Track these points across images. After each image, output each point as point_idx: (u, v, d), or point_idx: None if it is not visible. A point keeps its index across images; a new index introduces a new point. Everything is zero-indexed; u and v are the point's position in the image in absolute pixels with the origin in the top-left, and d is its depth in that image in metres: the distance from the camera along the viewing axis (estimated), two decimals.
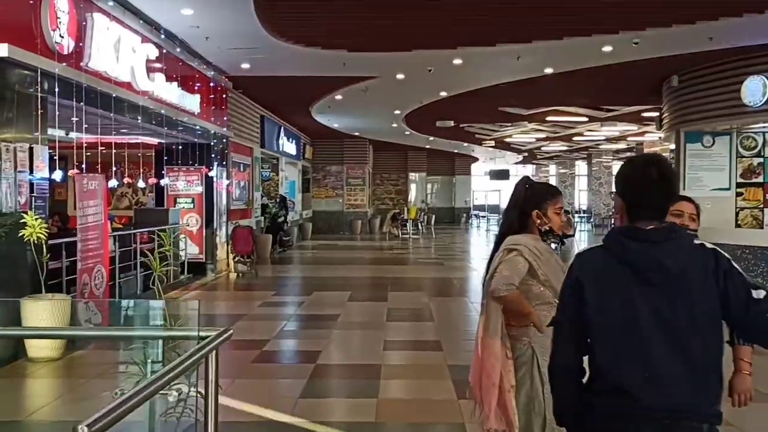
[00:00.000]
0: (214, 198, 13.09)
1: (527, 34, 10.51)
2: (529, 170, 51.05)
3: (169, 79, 10.28)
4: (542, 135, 25.72)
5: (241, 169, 15.77)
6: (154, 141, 12.38)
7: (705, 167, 12.63)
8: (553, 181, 49.16)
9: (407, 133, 23.79)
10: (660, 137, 23.45)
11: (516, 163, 43.76)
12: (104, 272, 7.59)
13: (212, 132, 12.69)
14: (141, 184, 9.43)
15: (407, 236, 24.56)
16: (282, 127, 20.18)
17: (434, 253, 19.17)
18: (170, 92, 10.40)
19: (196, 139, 12.14)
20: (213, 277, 12.55)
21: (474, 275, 13.86)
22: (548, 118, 19.90)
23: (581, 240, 22.72)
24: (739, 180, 12.63)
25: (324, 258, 17.37)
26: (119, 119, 8.67)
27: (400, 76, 13.34)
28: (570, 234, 20.34)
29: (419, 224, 26.69)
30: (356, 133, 24.94)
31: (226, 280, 12.52)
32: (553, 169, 48.93)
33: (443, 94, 15.32)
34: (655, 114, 18.37)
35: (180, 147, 12.04)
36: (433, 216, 27.90)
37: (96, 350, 6.78)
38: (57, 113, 6.88)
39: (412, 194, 34.20)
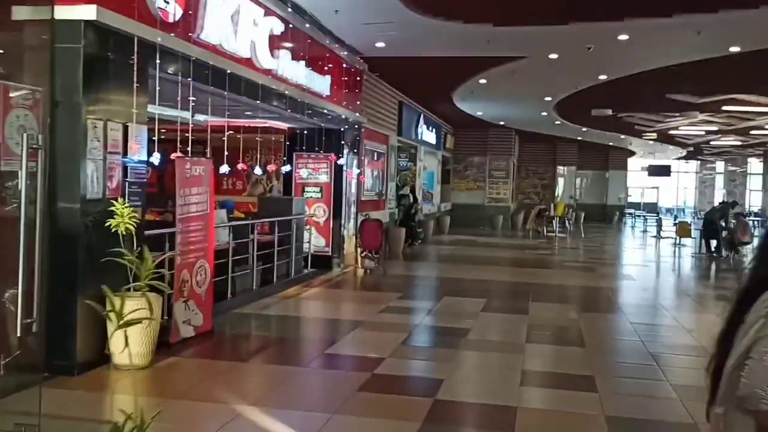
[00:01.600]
0: (343, 188, 12.22)
1: (713, 1, 8.65)
2: (692, 166, 46.93)
3: (295, 57, 9.43)
4: (713, 127, 22.85)
5: (375, 158, 14.85)
6: (284, 126, 11.69)
7: None
8: (719, 180, 44.75)
9: (558, 122, 21.93)
10: None
11: (678, 159, 40.12)
12: (208, 268, 6.81)
13: (344, 117, 11.79)
14: (257, 171, 8.64)
15: (553, 235, 22.72)
16: (422, 115, 19.10)
17: (583, 256, 17.34)
18: (297, 72, 9.55)
19: (325, 124, 11.28)
20: (338, 273, 11.70)
21: (631, 285, 12.06)
22: (724, 108, 17.35)
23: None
24: None
25: (460, 256, 16.11)
26: (236, 99, 7.89)
27: (552, 56, 11.77)
28: (746, 241, 17.73)
29: (566, 222, 24.70)
30: (501, 123, 23.39)
31: (352, 277, 11.61)
32: (720, 166, 44.53)
33: (602, 77, 13.51)
34: None
35: (306, 132, 11.26)
36: (583, 213, 25.75)
37: (191, 359, 5.99)
38: (158, 88, 6.13)
39: (560, 189, 32.00)
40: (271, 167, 9.09)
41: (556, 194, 31.49)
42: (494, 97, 17.34)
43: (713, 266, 15.43)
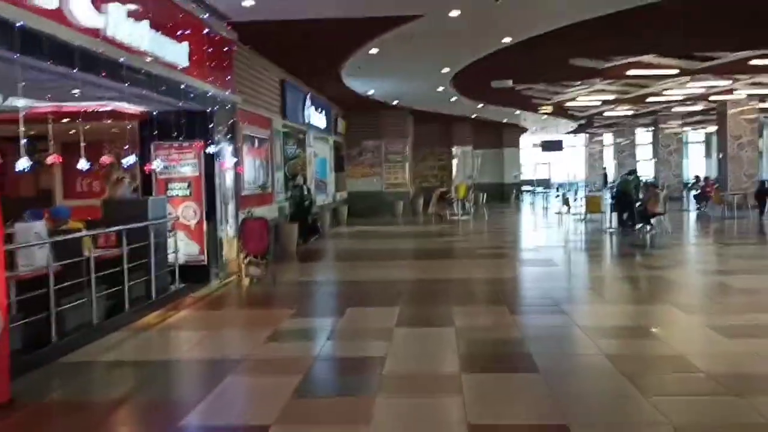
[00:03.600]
0: (218, 181, 10.09)
1: None
2: (581, 140, 47.34)
3: (135, 15, 7.23)
4: (610, 96, 22.18)
5: (256, 145, 12.73)
6: (135, 109, 9.37)
7: None
8: (609, 152, 45.27)
9: (453, 99, 20.52)
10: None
11: (568, 133, 40.11)
12: None
13: (211, 95, 9.64)
14: (82, 164, 6.40)
15: (456, 218, 21.37)
16: (308, 96, 17.07)
17: (493, 240, 15.95)
18: (138, 34, 7.34)
19: (187, 105, 9.08)
20: (217, 286, 9.59)
21: (556, 273, 10.63)
22: (629, 72, 16.38)
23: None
24: None
25: (362, 251, 14.29)
26: (35, 66, 5.63)
27: (453, 14, 10.10)
28: (658, 212, 16.90)
29: (467, 204, 23.44)
30: (395, 102, 21.72)
31: (235, 290, 9.53)
32: (608, 138, 45.05)
33: (507, 40, 12.00)
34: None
35: (161, 116, 9.06)
36: (484, 194, 24.58)
37: None
38: None
39: (456, 170, 30.86)
40: (104, 159, 6.86)
41: (453, 175, 30.41)
42: (387, 72, 15.61)
43: (632, 242, 14.39)
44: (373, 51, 12.68)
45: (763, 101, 24.10)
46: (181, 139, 9.39)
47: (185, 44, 8.72)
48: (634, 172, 16.94)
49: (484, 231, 18.06)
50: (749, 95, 22.40)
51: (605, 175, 40.77)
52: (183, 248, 9.50)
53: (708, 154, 45.87)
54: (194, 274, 9.48)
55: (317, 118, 18.18)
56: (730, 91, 21.49)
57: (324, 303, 8.90)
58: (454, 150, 30.90)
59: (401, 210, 23.74)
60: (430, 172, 30.69)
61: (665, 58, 15.63)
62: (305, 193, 15.44)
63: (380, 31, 11.15)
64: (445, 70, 15.27)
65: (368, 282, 9.94)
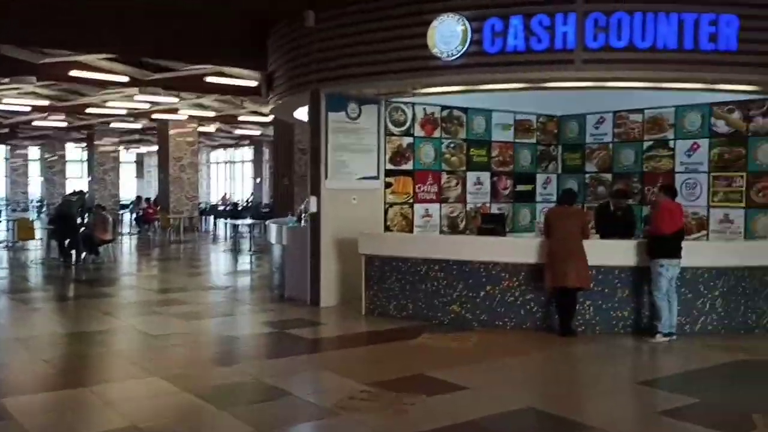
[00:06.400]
0: None
1: None
2: (2, 151, 41.56)
3: None
4: (44, 102, 18.96)
5: None
6: None
7: (352, 147, 9.00)
8: (36, 168, 40.80)
9: None
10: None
11: None
12: None
13: None
14: None
15: None
16: None
17: None
18: None
19: None
20: None
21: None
22: (72, 73, 13.75)
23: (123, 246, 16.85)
24: (389, 166, 9.43)
25: None
26: None
27: None
28: (108, 239, 14.60)
29: None
30: None
31: None
32: (35, 152, 40.58)
33: None
34: (221, 80, 14.22)
35: None
36: None
37: None
38: None
39: None
40: None
41: None
42: None
43: (79, 277, 11.89)
44: None
45: (203, 124, 24.33)
46: None
47: None
48: (80, 192, 14.33)
49: None
50: (191, 116, 22.17)
51: None
52: None
53: (140, 175, 45.68)
54: None
55: None
56: (174, 110, 20.79)
57: None
58: None
59: None
60: None
61: (115, 63, 13.63)
62: None
63: None
64: None
65: None
